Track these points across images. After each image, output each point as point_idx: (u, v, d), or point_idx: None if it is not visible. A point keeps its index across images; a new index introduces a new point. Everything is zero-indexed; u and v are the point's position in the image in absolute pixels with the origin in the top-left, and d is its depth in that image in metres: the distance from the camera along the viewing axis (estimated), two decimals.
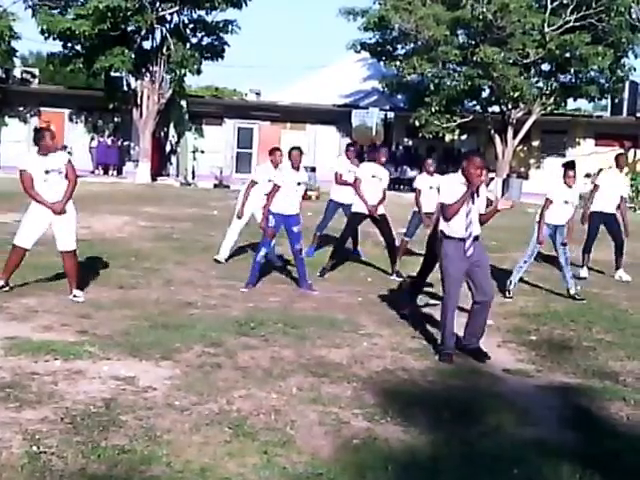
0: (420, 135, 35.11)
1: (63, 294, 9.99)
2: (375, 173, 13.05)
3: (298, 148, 11.64)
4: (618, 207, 14.26)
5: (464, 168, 8.20)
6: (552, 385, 7.55)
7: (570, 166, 12.97)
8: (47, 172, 9.72)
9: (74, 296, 9.90)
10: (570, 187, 11.92)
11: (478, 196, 8.29)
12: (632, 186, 33.44)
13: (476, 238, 8.28)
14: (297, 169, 11.50)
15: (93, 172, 36.22)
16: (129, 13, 31.65)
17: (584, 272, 14.10)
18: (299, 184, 11.49)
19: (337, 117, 40.04)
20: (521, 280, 12.33)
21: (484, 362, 8.17)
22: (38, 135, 9.86)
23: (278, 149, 13.31)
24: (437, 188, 9.15)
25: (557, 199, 11.90)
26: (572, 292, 11.98)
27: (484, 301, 8.37)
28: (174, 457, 5.27)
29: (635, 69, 35.21)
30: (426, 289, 11.04)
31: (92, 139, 38.43)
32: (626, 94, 37.35)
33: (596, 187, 14.29)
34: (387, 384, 7.22)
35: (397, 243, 13.52)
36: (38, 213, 9.84)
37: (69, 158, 10.14)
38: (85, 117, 39.48)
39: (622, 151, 16.05)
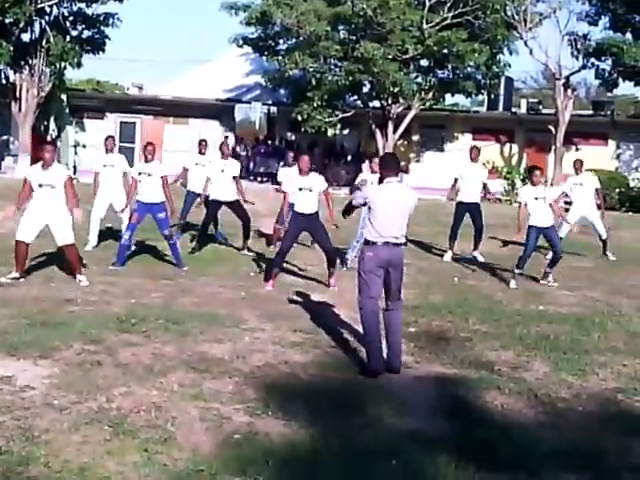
0: (303, 130, 35.26)
1: None
2: (223, 167, 14.73)
3: (150, 143, 13.47)
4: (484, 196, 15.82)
5: None
6: (430, 376, 7.73)
7: (375, 156, 14.87)
8: (40, 186, 10.88)
9: (79, 281, 11.07)
10: (374, 173, 13.20)
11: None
12: (507, 179, 34.57)
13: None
14: (147, 162, 12.98)
15: None
16: (7, 4, 30.73)
17: (447, 256, 15.52)
18: (149, 175, 12.73)
19: (220, 111, 39.85)
20: None
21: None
22: (42, 147, 11.15)
23: (110, 137, 16.27)
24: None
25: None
26: (349, 265, 13.18)
27: None
28: (52, 457, 5.22)
29: (510, 65, 35.82)
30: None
31: None
32: (502, 90, 38.28)
33: (455, 180, 15.51)
34: (268, 378, 7.29)
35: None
36: (35, 211, 10.98)
37: (69, 174, 11.22)
38: None
39: (475, 144, 17.42)
